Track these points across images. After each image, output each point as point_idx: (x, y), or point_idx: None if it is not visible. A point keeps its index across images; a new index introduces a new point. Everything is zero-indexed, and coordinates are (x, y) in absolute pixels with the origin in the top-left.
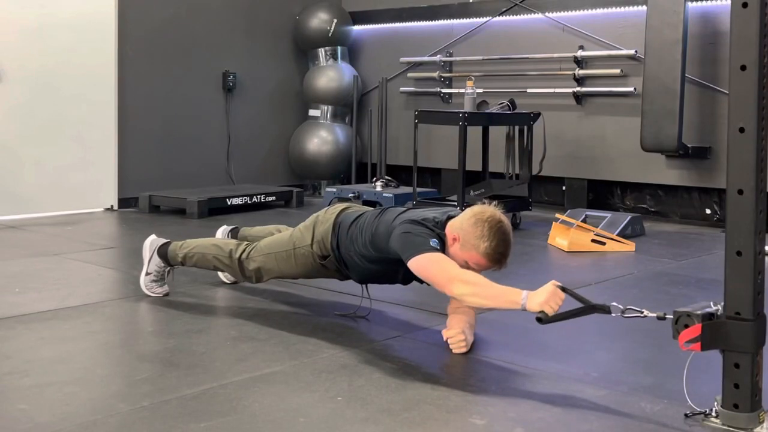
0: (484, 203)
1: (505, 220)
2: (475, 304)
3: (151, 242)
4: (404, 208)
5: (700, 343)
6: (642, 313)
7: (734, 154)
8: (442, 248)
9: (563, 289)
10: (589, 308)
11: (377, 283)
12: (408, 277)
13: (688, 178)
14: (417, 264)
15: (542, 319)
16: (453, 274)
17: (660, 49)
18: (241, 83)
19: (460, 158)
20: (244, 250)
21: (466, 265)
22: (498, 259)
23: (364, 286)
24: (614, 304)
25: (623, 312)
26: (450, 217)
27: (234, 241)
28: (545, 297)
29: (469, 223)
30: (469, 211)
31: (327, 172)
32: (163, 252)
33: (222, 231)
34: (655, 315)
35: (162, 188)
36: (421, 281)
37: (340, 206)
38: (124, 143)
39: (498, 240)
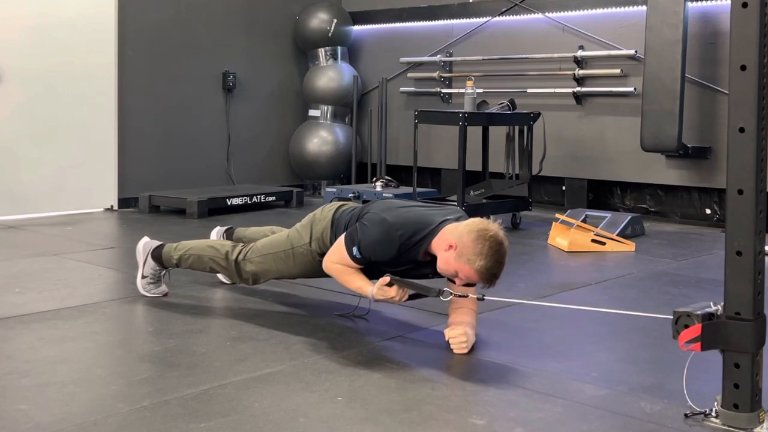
0: (489, 217)
1: (506, 241)
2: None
3: (144, 245)
4: (404, 203)
5: (700, 343)
6: (467, 295)
7: (734, 154)
8: (370, 261)
9: (392, 283)
10: (420, 294)
11: (375, 278)
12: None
13: (688, 178)
14: (339, 239)
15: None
16: (329, 265)
17: (660, 49)
18: (241, 83)
19: (460, 158)
20: (240, 252)
21: (455, 275)
22: (489, 278)
23: None
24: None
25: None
26: (446, 220)
27: (230, 243)
28: (395, 301)
29: (470, 237)
30: (472, 223)
31: (327, 172)
32: (157, 255)
33: (216, 232)
34: (476, 297)
35: (162, 188)
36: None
37: (336, 204)
38: (124, 143)
39: (494, 261)
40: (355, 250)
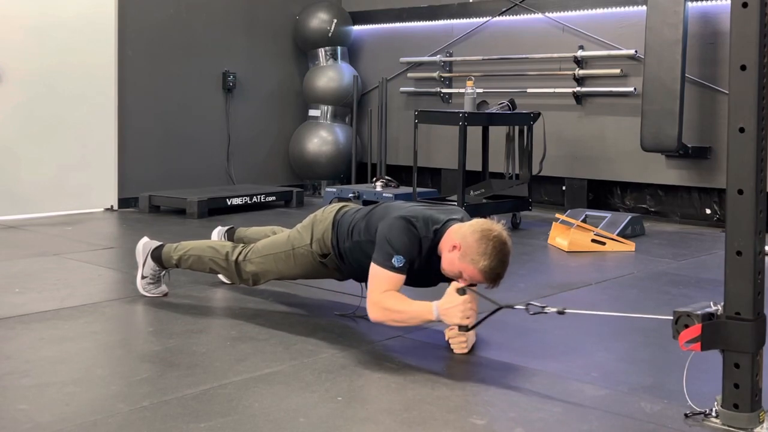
0: (492, 218)
1: (509, 241)
2: (394, 326)
3: (144, 245)
4: (408, 203)
5: (700, 343)
6: (543, 308)
7: (734, 154)
8: (409, 261)
9: (464, 291)
10: (498, 308)
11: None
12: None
13: (688, 178)
14: (371, 270)
15: (467, 328)
16: (377, 299)
17: (660, 49)
18: (241, 83)
19: (460, 158)
20: (240, 252)
21: (459, 275)
22: (493, 278)
23: (363, 285)
24: (517, 305)
25: (527, 308)
26: (451, 220)
27: (230, 243)
28: (459, 313)
29: (474, 237)
30: (476, 223)
31: (327, 172)
32: (156, 255)
33: (217, 232)
34: (555, 310)
35: (162, 188)
36: (418, 284)
37: (337, 205)
38: (124, 143)
39: (498, 261)
40: (395, 259)
